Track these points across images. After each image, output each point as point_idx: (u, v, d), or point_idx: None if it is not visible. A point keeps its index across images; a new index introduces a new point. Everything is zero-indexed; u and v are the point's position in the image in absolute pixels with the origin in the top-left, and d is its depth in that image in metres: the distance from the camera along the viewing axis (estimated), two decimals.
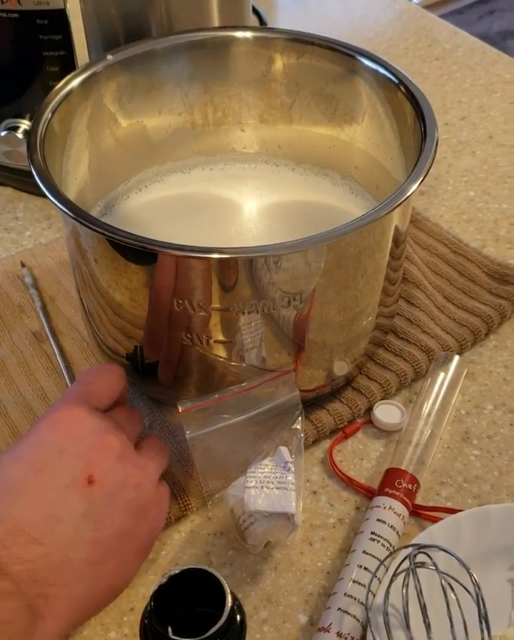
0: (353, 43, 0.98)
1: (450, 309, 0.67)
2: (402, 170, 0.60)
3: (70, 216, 0.49)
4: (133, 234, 0.48)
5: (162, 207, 0.68)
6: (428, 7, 2.90)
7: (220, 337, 0.53)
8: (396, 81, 0.57)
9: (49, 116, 0.56)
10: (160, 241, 0.48)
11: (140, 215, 0.67)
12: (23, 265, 0.72)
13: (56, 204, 0.50)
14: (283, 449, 0.53)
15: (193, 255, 0.48)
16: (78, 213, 0.49)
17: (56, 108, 0.57)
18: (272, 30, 0.64)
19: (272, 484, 0.51)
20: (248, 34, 0.64)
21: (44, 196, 0.52)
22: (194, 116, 0.69)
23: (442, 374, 0.61)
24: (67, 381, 0.63)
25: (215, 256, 0.48)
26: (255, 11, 0.90)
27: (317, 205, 0.68)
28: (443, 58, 0.96)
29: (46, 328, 0.66)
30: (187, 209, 0.68)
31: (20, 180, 0.79)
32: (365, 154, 0.66)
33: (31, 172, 0.52)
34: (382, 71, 0.58)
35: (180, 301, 0.51)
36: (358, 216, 0.65)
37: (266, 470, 0.52)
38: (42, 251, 0.74)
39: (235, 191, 0.70)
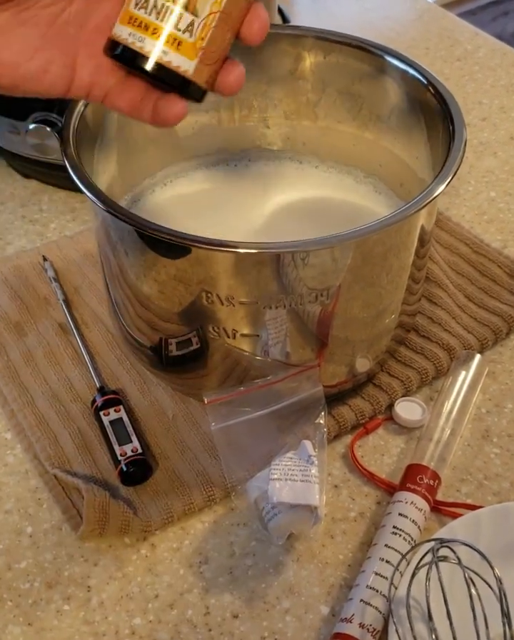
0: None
1: (471, 308, 0.68)
2: (428, 169, 0.61)
3: (104, 209, 0.50)
4: (165, 227, 0.49)
5: (187, 202, 0.69)
6: (443, 6, 2.91)
7: (247, 331, 0.54)
8: (425, 82, 0.57)
9: (82, 109, 0.57)
10: (192, 235, 0.49)
11: (166, 209, 0.68)
12: (45, 259, 0.72)
13: (90, 197, 0.51)
14: (307, 443, 0.53)
15: (224, 249, 0.49)
16: (112, 206, 0.50)
17: (88, 102, 0.57)
18: (300, 28, 0.65)
19: (296, 477, 0.51)
20: (277, 32, 0.64)
21: (72, 189, 0.52)
22: (220, 113, 0.69)
23: (463, 373, 0.62)
24: (91, 371, 0.63)
25: (245, 250, 0.49)
26: (279, 10, 0.91)
27: (340, 202, 0.69)
28: (464, 59, 0.97)
29: (70, 321, 0.67)
30: (211, 204, 0.69)
31: (45, 172, 0.80)
32: (389, 153, 0.66)
33: (62, 166, 0.53)
34: (411, 71, 0.59)
35: (209, 294, 0.52)
36: (381, 214, 0.67)
37: (290, 463, 0.52)
38: (67, 243, 0.75)
39: (259, 187, 0.71)
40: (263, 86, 0.68)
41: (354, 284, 0.53)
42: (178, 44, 0.40)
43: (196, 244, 0.49)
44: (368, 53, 0.62)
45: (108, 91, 0.44)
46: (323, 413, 0.56)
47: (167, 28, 0.40)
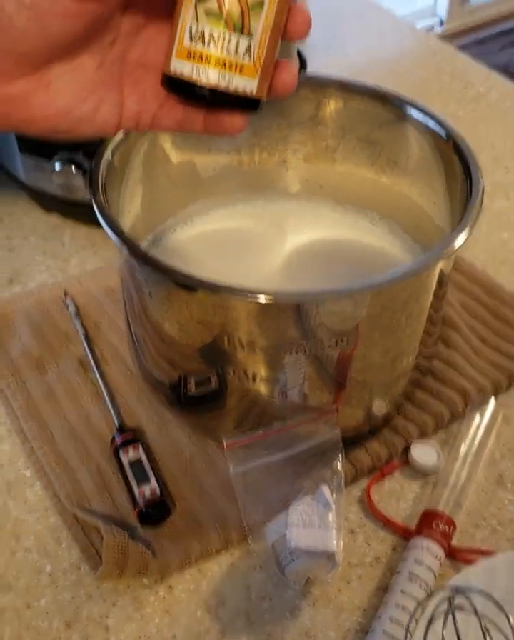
0: (387, 83, 1.00)
1: (485, 352, 0.68)
2: (445, 216, 0.62)
3: (134, 257, 0.51)
4: (191, 275, 0.50)
5: (207, 240, 0.70)
6: (450, 36, 2.94)
7: (266, 374, 0.55)
8: (445, 136, 0.59)
9: (110, 155, 0.58)
10: (216, 282, 0.50)
11: (186, 248, 0.69)
12: (65, 294, 0.73)
13: (118, 244, 0.52)
14: (325, 488, 0.54)
15: (246, 297, 0.50)
16: (141, 254, 0.51)
17: (116, 147, 0.59)
18: (322, 76, 0.66)
19: (314, 522, 0.52)
20: (300, 79, 0.66)
21: (93, 223, 0.54)
22: (241, 155, 0.71)
23: (478, 417, 0.63)
24: (110, 409, 0.64)
25: (266, 299, 0.50)
26: (298, 52, 0.92)
27: (356, 244, 0.70)
28: (477, 100, 0.98)
29: (90, 358, 0.68)
30: (231, 243, 0.70)
31: (67, 207, 0.81)
32: (406, 197, 0.67)
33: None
34: (431, 123, 0.60)
35: (230, 338, 0.53)
36: (396, 256, 0.68)
37: (308, 508, 0.53)
38: (88, 279, 0.76)
39: (277, 227, 0.72)
40: (283, 130, 0.69)
41: (373, 329, 0.54)
42: (240, 69, 0.41)
43: (220, 291, 0.50)
44: (389, 102, 0.63)
45: (154, 116, 0.46)
46: (340, 457, 0.57)
47: (226, 55, 0.41)
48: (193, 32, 0.41)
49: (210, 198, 0.71)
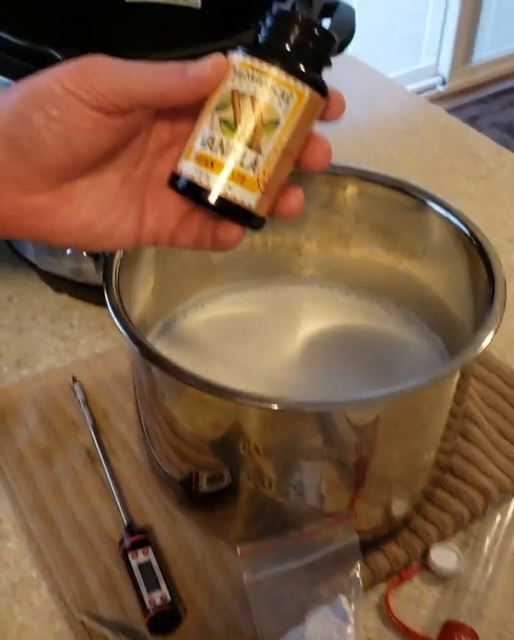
0: (398, 158, 1.00)
1: (505, 446, 0.67)
2: (465, 308, 0.60)
3: (146, 357, 0.50)
4: (207, 381, 0.48)
5: (218, 326, 0.69)
6: (453, 95, 2.97)
7: (282, 480, 0.53)
8: (467, 233, 0.57)
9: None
10: (230, 388, 0.48)
11: (197, 334, 0.68)
12: (74, 380, 0.72)
13: (132, 345, 0.51)
14: (343, 599, 0.52)
15: (262, 405, 0.48)
16: (157, 359, 0.50)
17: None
18: (340, 166, 0.66)
19: (332, 636, 0.50)
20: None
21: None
22: (254, 241, 0.70)
23: (498, 517, 0.61)
24: (118, 505, 0.62)
25: (279, 406, 0.48)
26: None
27: (371, 331, 0.69)
28: (489, 177, 0.98)
29: (98, 450, 0.66)
30: (242, 329, 0.69)
31: (77, 288, 0.80)
32: (423, 286, 0.66)
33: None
34: (452, 219, 0.59)
35: (245, 443, 0.51)
36: (413, 344, 0.67)
37: (325, 620, 0.51)
38: (97, 363, 0.75)
39: (290, 313, 0.71)
40: (297, 218, 0.68)
41: (395, 432, 0.53)
42: (242, 180, 0.42)
43: (234, 398, 0.48)
44: (408, 195, 0.62)
45: (172, 233, 0.46)
46: (358, 565, 0.55)
47: (231, 165, 0.42)
48: (206, 137, 0.42)
49: (221, 284, 0.70)
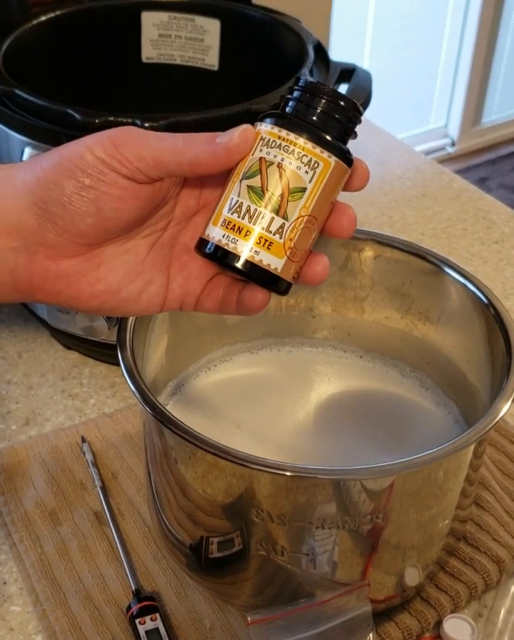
0: (412, 222, 1.01)
1: None
2: (480, 376, 0.60)
3: (161, 423, 0.49)
4: (220, 447, 0.48)
5: (230, 388, 0.69)
6: (462, 156, 3.00)
7: (294, 548, 0.52)
8: (485, 301, 0.57)
9: None
10: (244, 454, 0.48)
11: (210, 395, 0.68)
12: (83, 440, 0.71)
13: (145, 408, 0.50)
14: None
15: (275, 472, 0.48)
16: (169, 421, 0.49)
17: None
18: (358, 230, 0.66)
19: None
20: None
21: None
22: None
23: (513, 588, 0.60)
24: (126, 569, 0.61)
25: (292, 473, 0.47)
26: None
27: (385, 395, 0.68)
28: (502, 242, 0.98)
29: (106, 512, 0.65)
30: (254, 389, 0.69)
31: (87, 346, 0.80)
32: (438, 352, 0.66)
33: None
34: (470, 286, 0.59)
35: (260, 512, 0.51)
36: (427, 409, 0.66)
37: None
38: (106, 423, 0.74)
39: (302, 375, 0.71)
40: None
41: (410, 500, 0.52)
42: (269, 245, 0.43)
43: (248, 464, 0.48)
44: (425, 260, 0.62)
45: (198, 299, 0.46)
46: (370, 636, 0.54)
47: (258, 230, 0.43)
48: (234, 203, 0.43)
49: (234, 344, 0.70)
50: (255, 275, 0.43)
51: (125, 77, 0.90)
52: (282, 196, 0.42)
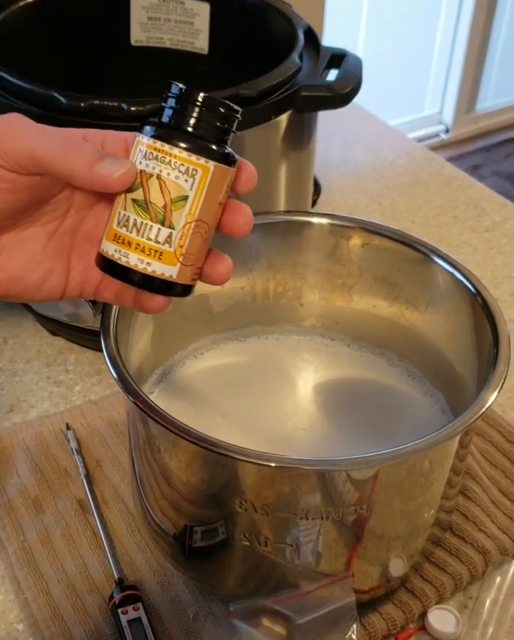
0: (402, 210, 1.00)
1: (505, 505, 0.65)
2: (467, 365, 0.60)
3: (145, 413, 0.49)
4: (204, 437, 0.48)
5: (216, 376, 0.68)
6: (456, 143, 2.99)
7: (280, 539, 0.52)
8: (473, 291, 0.57)
9: None
10: (227, 444, 0.47)
11: (195, 383, 0.67)
12: (68, 427, 0.71)
13: (128, 398, 0.50)
14: None
15: (260, 462, 0.47)
16: (152, 411, 0.49)
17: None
18: (345, 218, 0.65)
19: None
20: (323, 221, 0.65)
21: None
22: (256, 290, 0.69)
23: (498, 579, 0.60)
24: (110, 558, 0.61)
25: (276, 464, 0.47)
26: (314, 180, 0.92)
27: (372, 384, 0.68)
28: (493, 230, 0.98)
29: (90, 500, 0.65)
30: (241, 378, 0.68)
31: (73, 332, 0.79)
32: (426, 340, 0.65)
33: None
34: (458, 275, 0.58)
35: (243, 502, 0.50)
36: (413, 398, 0.66)
37: None
38: (91, 410, 0.73)
39: (290, 363, 0.70)
40: (299, 267, 0.68)
41: (395, 490, 0.52)
42: (159, 255, 0.44)
43: (231, 454, 0.47)
44: (413, 248, 0.62)
45: (96, 288, 0.48)
46: (354, 627, 0.53)
47: (147, 242, 0.43)
48: (122, 217, 0.44)
49: (221, 332, 0.70)
50: (148, 285, 0.45)
51: (114, 60, 0.89)
52: (165, 206, 0.43)
